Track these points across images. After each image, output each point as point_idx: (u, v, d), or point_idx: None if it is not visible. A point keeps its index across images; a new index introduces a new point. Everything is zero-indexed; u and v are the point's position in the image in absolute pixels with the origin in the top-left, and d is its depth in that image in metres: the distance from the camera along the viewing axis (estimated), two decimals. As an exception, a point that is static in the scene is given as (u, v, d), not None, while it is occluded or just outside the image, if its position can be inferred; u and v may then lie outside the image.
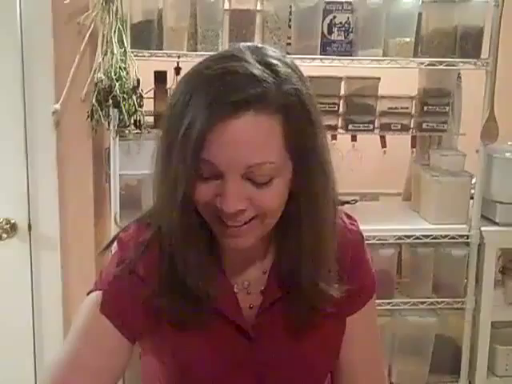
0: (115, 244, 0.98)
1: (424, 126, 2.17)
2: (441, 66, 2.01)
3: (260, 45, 0.87)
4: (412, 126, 2.18)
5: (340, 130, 2.15)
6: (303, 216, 0.88)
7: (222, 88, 0.79)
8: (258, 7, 1.96)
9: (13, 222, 2.03)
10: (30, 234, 2.06)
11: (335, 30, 1.99)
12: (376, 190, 2.53)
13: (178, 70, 2.01)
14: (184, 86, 0.84)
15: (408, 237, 2.12)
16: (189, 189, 0.83)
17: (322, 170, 0.87)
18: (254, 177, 0.82)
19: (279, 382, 0.96)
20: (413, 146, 2.27)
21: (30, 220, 2.05)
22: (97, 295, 0.94)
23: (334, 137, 2.16)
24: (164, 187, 0.87)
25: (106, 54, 1.84)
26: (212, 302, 0.92)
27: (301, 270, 0.91)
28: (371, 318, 1.06)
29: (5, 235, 2.01)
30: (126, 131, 1.93)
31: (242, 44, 0.86)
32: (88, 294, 0.96)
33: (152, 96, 1.98)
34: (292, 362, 0.96)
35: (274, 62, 0.83)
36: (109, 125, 1.91)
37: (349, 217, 1.04)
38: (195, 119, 0.79)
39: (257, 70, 0.81)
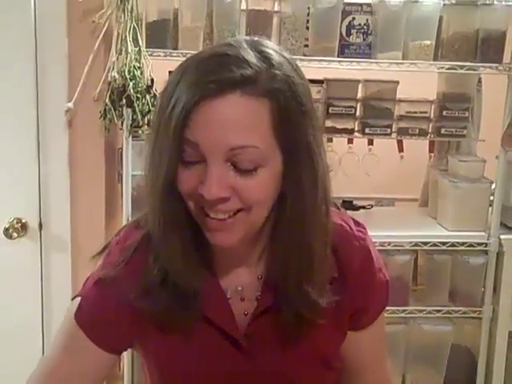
0: None
1: (443, 131, 2.12)
2: (461, 71, 1.97)
3: (259, 38, 0.85)
4: (430, 130, 2.14)
5: (357, 134, 2.11)
6: (289, 216, 0.83)
7: (209, 68, 0.78)
8: (276, 8, 1.92)
9: (24, 221, 2.01)
10: (40, 234, 2.04)
11: (354, 31, 1.95)
12: (392, 195, 2.50)
13: (192, 70, 1.98)
14: (177, 69, 0.82)
15: (425, 243, 2.07)
16: (172, 175, 0.80)
17: (312, 167, 0.82)
18: (237, 162, 0.78)
19: None
20: (431, 151, 2.23)
21: (40, 220, 2.03)
22: (77, 301, 0.93)
23: (350, 140, 2.13)
24: (150, 173, 0.84)
25: (120, 53, 1.81)
26: (202, 308, 0.88)
27: (288, 274, 0.86)
28: (381, 325, 1.04)
29: (15, 234, 2.00)
30: (139, 131, 1.91)
31: (241, 36, 0.84)
32: (73, 299, 0.94)
33: (166, 96, 1.95)
34: (283, 372, 0.92)
35: (268, 50, 0.82)
36: (122, 124, 1.89)
37: (357, 223, 0.99)
38: (181, 98, 0.77)
39: (248, 54, 0.79)
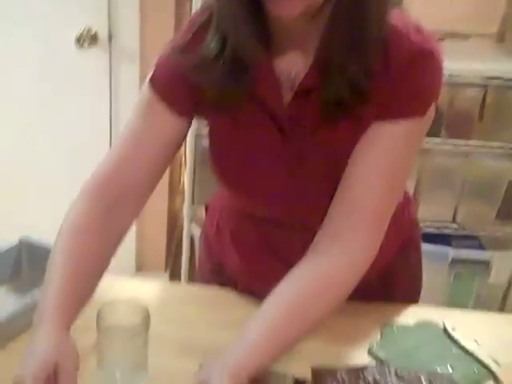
0: None
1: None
2: None
3: None
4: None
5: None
6: None
7: None
8: None
9: (94, 31, 2.04)
10: (110, 45, 2.07)
11: None
12: (466, 28, 2.38)
13: None
14: None
15: (496, 78, 2.01)
16: None
17: None
18: None
19: (308, 175, 0.95)
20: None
21: (110, 30, 2.05)
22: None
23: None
24: None
25: None
26: (253, 86, 0.90)
27: (338, 51, 0.85)
28: (402, 142, 0.92)
29: (86, 43, 2.03)
30: None
31: None
32: None
33: None
34: (321, 156, 0.94)
35: None
36: None
37: (419, 31, 0.91)
38: None
39: None
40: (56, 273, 0.84)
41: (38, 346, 0.75)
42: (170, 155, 0.99)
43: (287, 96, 0.92)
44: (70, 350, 0.77)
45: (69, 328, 0.81)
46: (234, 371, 0.77)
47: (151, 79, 0.96)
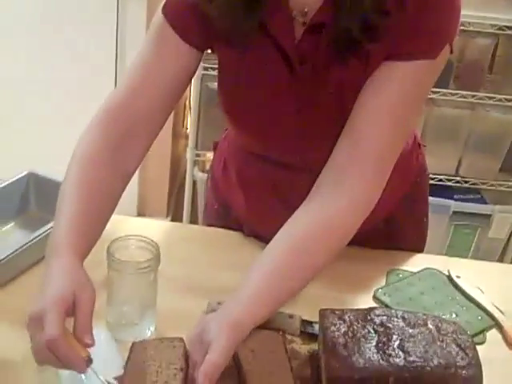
0: None
1: None
2: None
3: None
4: None
5: None
6: None
7: None
8: None
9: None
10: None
11: None
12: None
13: None
14: None
15: (509, 28, 1.97)
16: None
17: None
18: None
19: (316, 115, 0.94)
20: None
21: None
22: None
23: None
24: None
25: None
26: (265, 20, 0.88)
27: None
28: (411, 84, 0.89)
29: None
30: None
31: None
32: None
33: None
34: (330, 95, 0.92)
35: None
36: None
37: None
38: None
39: None
40: (68, 205, 0.83)
41: (55, 279, 0.75)
42: (180, 89, 0.97)
43: (299, 33, 0.90)
44: (86, 281, 0.76)
45: (82, 261, 0.81)
46: (233, 323, 0.76)
47: (163, 8, 0.94)
